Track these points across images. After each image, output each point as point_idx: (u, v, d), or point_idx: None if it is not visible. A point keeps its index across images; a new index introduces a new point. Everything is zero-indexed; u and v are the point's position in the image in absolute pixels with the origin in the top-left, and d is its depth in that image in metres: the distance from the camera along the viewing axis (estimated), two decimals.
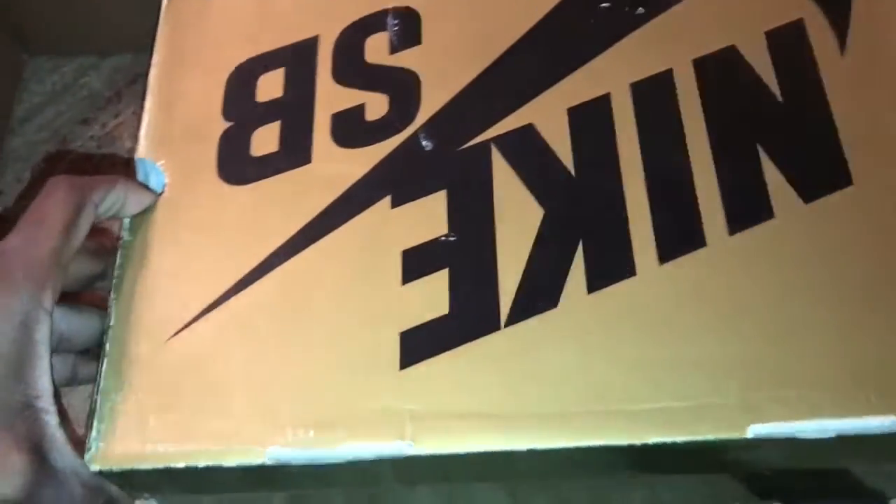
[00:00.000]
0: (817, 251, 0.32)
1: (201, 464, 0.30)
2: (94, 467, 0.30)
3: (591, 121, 0.36)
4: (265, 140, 0.37)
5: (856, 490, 0.39)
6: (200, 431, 0.30)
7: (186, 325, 0.32)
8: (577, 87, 0.37)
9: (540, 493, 0.41)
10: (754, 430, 0.29)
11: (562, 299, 0.32)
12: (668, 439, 0.29)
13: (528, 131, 0.36)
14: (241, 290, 0.33)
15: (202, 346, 0.32)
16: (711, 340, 0.31)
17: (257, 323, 0.32)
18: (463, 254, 0.33)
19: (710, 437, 0.29)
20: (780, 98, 0.36)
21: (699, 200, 0.34)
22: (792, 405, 0.29)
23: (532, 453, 0.30)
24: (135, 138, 0.37)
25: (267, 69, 0.39)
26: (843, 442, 0.30)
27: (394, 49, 0.39)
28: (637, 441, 0.29)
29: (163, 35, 0.40)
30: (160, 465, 0.30)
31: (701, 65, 0.37)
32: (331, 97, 0.38)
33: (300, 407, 0.30)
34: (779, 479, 0.38)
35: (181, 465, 0.30)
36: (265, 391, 0.31)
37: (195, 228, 0.35)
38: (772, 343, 0.31)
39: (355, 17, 0.40)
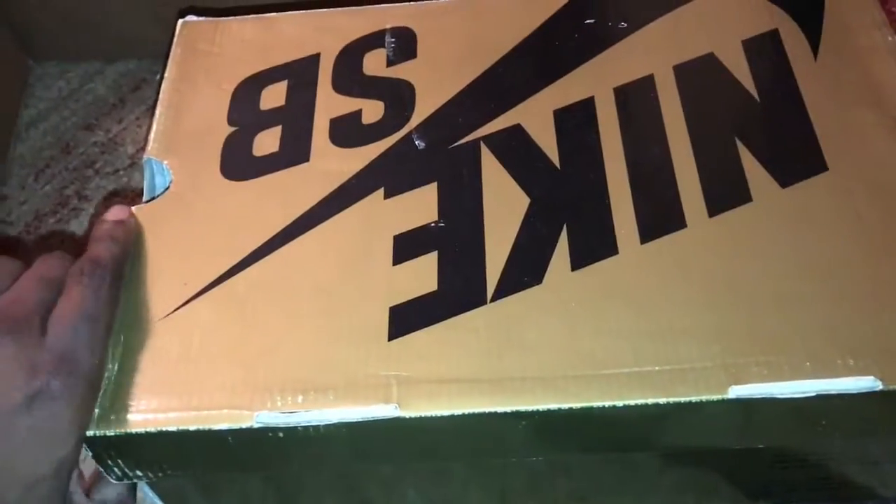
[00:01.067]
0: (795, 230, 0.33)
1: (192, 427, 0.30)
2: (90, 432, 0.30)
3: (575, 120, 0.38)
4: (266, 142, 0.39)
5: (850, 491, 0.39)
6: (193, 400, 0.31)
7: (185, 303, 0.33)
8: (563, 91, 0.39)
9: (529, 499, 0.41)
10: (735, 392, 0.29)
11: (546, 276, 0.33)
12: (650, 400, 0.30)
13: (516, 130, 0.38)
14: (238, 272, 0.34)
15: (199, 322, 0.33)
16: (693, 311, 0.31)
17: (252, 300, 0.33)
18: (452, 238, 0.34)
19: (692, 398, 0.30)
20: (756, 97, 0.38)
21: (679, 187, 0.35)
22: (773, 368, 0.30)
23: (516, 416, 0.30)
24: (138, 144, 0.39)
25: (271, 82, 0.41)
26: (824, 405, 0.30)
27: (390, 63, 0.41)
28: (618, 402, 0.30)
29: (175, 55, 0.43)
30: (153, 429, 0.30)
31: (681, 70, 0.39)
32: (330, 104, 0.40)
33: (290, 376, 0.31)
34: (772, 482, 0.38)
35: (173, 428, 0.30)
36: (257, 362, 0.32)
37: (197, 219, 0.36)
38: (752, 313, 0.31)
39: (355, 36, 0.42)
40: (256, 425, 0.30)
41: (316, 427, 0.30)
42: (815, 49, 0.39)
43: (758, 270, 0.32)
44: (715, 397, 0.30)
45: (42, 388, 0.28)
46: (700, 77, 0.39)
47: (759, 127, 0.37)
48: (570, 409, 0.30)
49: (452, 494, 0.40)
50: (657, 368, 0.30)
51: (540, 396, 0.30)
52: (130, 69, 0.59)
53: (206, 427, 0.30)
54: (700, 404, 0.30)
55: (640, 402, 0.30)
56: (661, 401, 0.30)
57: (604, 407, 0.30)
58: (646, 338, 0.31)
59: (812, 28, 0.39)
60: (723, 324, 0.31)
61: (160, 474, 0.33)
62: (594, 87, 0.39)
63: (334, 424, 0.30)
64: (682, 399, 0.30)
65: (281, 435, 0.30)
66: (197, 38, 0.43)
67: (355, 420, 0.30)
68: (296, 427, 0.30)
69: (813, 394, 0.29)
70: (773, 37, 0.39)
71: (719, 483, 0.39)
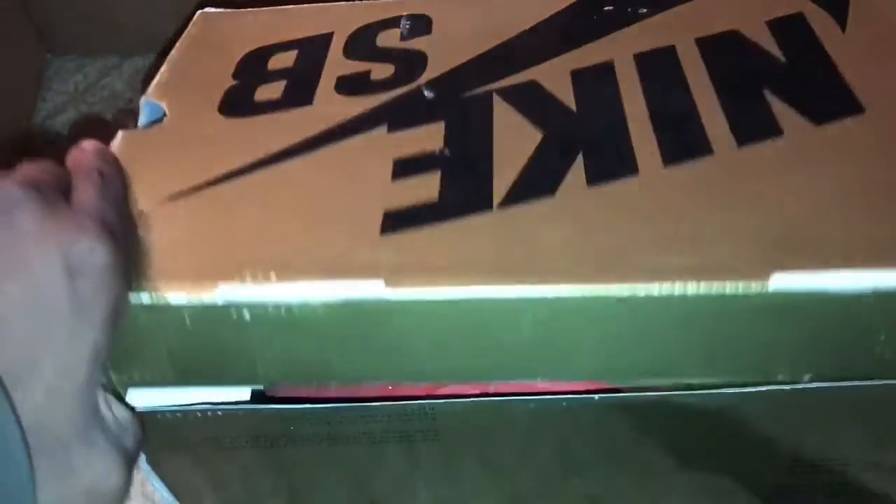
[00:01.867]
0: (831, 158, 0.30)
1: (145, 300, 0.26)
2: None
3: (594, 78, 0.36)
4: (270, 91, 0.37)
5: (868, 499, 0.35)
6: (153, 276, 0.27)
7: (163, 202, 0.30)
8: (581, 57, 0.37)
9: (540, 500, 0.37)
10: (778, 281, 0.25)
11: (560, 189, 0.30)
12: (677, 287, 0.25)
13: (532, 84, 0.36)
14: (225, 181, 0.31)
15: (177, 217, 0.30)
16: (726, 220, 0.28)
17: (238, 202, 0.30)
18: (457, 162, 0.32)
19: (726, 288, 0.25)
20: (783, 59, 0.36)
21: (704, 123, 0.32)
22: (821, 260, 0.26)
23: (521, 306, 0.26)
24: None
25: (281, 51, 0.40)
26: (879, 308, 0.25)
27: (404, 39, 0.40)
28: (640, 289, 0.25)
29: (187, 33, 0.42)
30: None
31: (703, 42, 0.37)
32: (339, 66, 0.38)
33: (266, 256, 0.27)
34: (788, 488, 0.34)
35: (147, 301, 0.26)
36: (232, 245, 0.28)
37: (187, 143, 0.34)
38: (793, 224, 0.28)
39: (371, 20, 0.42)
40: (219, 301, 0.26)
41: (288, 307, 0.26)
42: (842, 26, 0.37)
43: (794, 191, 0.29)
44: (754, 288, 0.25)
45: (88, 254, 0.24)
46: (723, 46, 0.37)
47: (788, 79, 0.35)
48: (584, 297, 0.26)
49: (463, 495, 0.37)
50: (684, 261, 0.26)
51: (550, 281, 0.26)
52: (147, 64, 0.58)
53: (161, 300, 0.26)
54: (735, 298, 0.25)
55: (665, 290, 0.25)
56: (691, 290, 0.25)
57: (621, 297, 0.26)
58: (673, 239, 0.27)
59: (838, 11, 0.38)
60: (761, 229, 0.27)
61: (125, 377, 0.28)
62: (613, 54, 0.37)
63: (309, 304, 0.26)
64: (714, 289, 0.25)
65: (247, 317, 0.26)
66: (211, 22, 0.43)
67: (334, 300, 0.26)
68: (265, 305, 0.26)
69: (869, 288, 0.25)
70: (798, 17, 0.38)
71: (735, 488, 0.35)
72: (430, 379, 0.29)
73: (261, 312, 0.26)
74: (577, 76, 0.36)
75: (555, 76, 0.36)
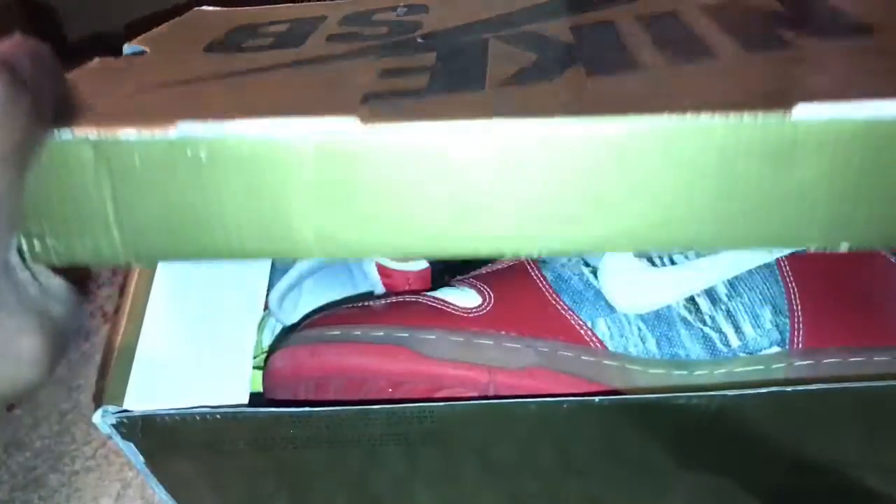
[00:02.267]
0: (848, 54, 0.28)
1: (92, 136, 0.23)
2: None
3: (593, 27, 0.35)
4: (258, 43, 0.36)
5: (869, 501, 0.34)
6: (108, 115, 0.24)
7: (138, 91, 0.28)
8: (581, 19, 0.36)
9: (540, 501, 0.35)
10: (802, 111, 0.22)
11: (558, 79, 0.28)
12: (689, 122, 0.23)
13: (529, 32, 0.35)
14: (206, 80, 0.29)
15: (151, 97, 0.27)
16: (737, 87, 0.26)
17: (217, 89, 0.28)
18: (449, 69, 0.30)
19: (747, 119, 0.22)
20: (789, 13, 0.35)
21: (711, 43, 0.31)
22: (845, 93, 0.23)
23: (510, 148, 0.23)
24: None
25: (273, 24, 0.39)
26: None
27: (399, 16, 0.40)
28: (646, 123, 0.23)
29: (181, 18, 0.42)
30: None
31: (707, 7, 0.36)
32: (331, 29, 0.38)
33: (230, 106, 0.25)
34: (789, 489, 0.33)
35: (67, 136, 0.23)
36: (200, 105, 0.26)
37: (168, 64, 0.32)
38: (813, 86, 0.25)
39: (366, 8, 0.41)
40: (176, 136, 0.23)
41: (251, 145, 0.23)
42: None
43: (813, 72, 0.27)
44: (775, 119, 0.22)
45: None
46: (728, 7, 0.36)
47: (797, 20, 0.33)
48: (585, 136, 0.23)
49: (463, 497, 0.36)
50: (696, 100, 0.23)
51: (550, 114, 0.23)
52: None
53: (108, 137, 0.23)
54: (754, 133, 0.22)
55: (675, 120, 0.23)
56: (704, 121, 0.22)
57: (623, 131, 0.23)
58: (682, 95, 0.25)
59: None
60: (779, 93, 0.25)
61: (65, 245, 0.25)
62: (615, 16, 0.36)
63: (274, 143, 0.23)
64: (731, 121, 0.22)
65: (204, 157, 0.23)
66: (204, 13, 0.43)
67: (301, 139, 0.23)
68: (224, 141, 0.23)
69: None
70: None
71: (736, 490, 0.34)
72: (414, 251, 0.25)
73: (220, 151, 0.23)
74: (576, 27, 0.35)
75: (553, 28, 0.35)
